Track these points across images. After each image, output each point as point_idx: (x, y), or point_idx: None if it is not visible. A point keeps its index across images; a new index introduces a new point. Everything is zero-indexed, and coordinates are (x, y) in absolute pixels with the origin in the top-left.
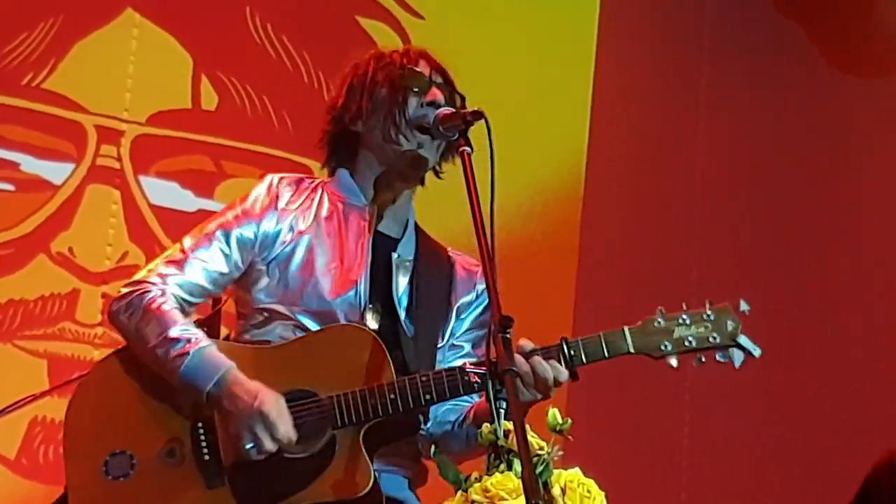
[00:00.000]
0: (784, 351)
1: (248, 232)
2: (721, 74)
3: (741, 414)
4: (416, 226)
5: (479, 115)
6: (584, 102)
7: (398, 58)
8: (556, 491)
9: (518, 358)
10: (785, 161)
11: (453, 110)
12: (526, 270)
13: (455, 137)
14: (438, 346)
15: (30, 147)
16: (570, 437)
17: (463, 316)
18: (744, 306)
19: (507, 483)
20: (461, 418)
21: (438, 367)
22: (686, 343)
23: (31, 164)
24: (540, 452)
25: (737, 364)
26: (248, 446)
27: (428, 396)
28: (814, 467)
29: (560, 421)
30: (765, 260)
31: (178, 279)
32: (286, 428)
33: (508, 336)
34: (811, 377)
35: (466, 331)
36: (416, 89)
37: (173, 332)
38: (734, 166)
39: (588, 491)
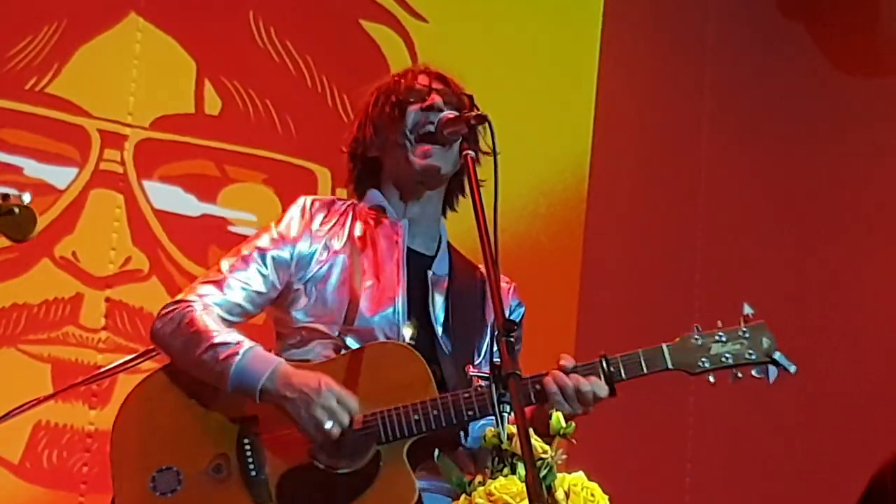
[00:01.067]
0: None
1: (284, 253)
2: (725, 76)
3: (746, 417)
4: (449, 244)
5: (482, 118)
6: (587, 104)
7: (397, 78)
8: (559, 495)
9: (560, 375)
10: (789, 162)
11: (456, 114)
12: (530, 272)
13: (459, 142)
14: (475, 362)
15: (33, 151)
16: (573, 440)
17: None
18: (747, 309)
19: (510, 487)
20: None
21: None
22: (723, 360)
23: (34, 169)
24: (543, 456)
25: (771, 379)
26: (329, 425)
27: (471, 412)
28: (819, 469)
29: (563, 424)
30: (769, 262)
31: (217, 299)
32: (354, 400)
33: (512, 339)
34: (815, 379)
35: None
36: (412, 99)
37: (220, 338)
38: (738, 167)
39: (592, 495)
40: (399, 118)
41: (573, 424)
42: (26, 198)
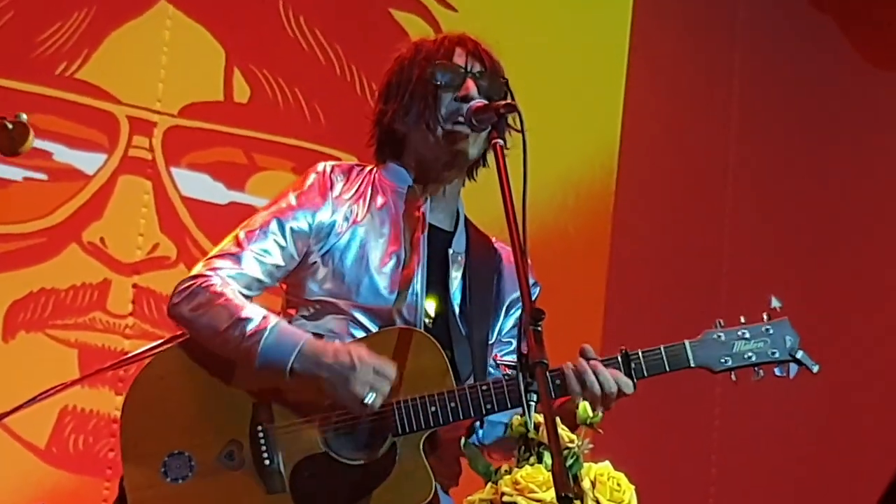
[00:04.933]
0: (815, 347)
1: (303, 223)
2: (754, 69)
3: (772, 408)
4: (466, 218)
5: (512, 107)
6: (616, 96)
7: (433, 47)
8: (585, 484)
9: (580, 361)
10: (818, 155)
11: (486, 102)
12: (557, 263)
13: (488, 129)
14: (490, 343)
15: (63, 137)
16: (600, 430)
17: (511, 312)
18: (775, 302)
19: (536, 476)
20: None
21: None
22: (746, 357)
23: (63, 154)
24: (570, 445)
25: (791, 376)
26: (370, 398)
27: (489, 406)
28: (844, 463)
29: (590, 414)
30: (797, 252)
31: (234, 272)
32: (391, 367)
33: (539, 328)
34: (842, 374)
35: (514, 326)
36: (448, 83)
37: (245, 313)
38: (766, 160)
39: (618, 484)
40: (433, 102)
41: (600, 414)
42: (23, 116)
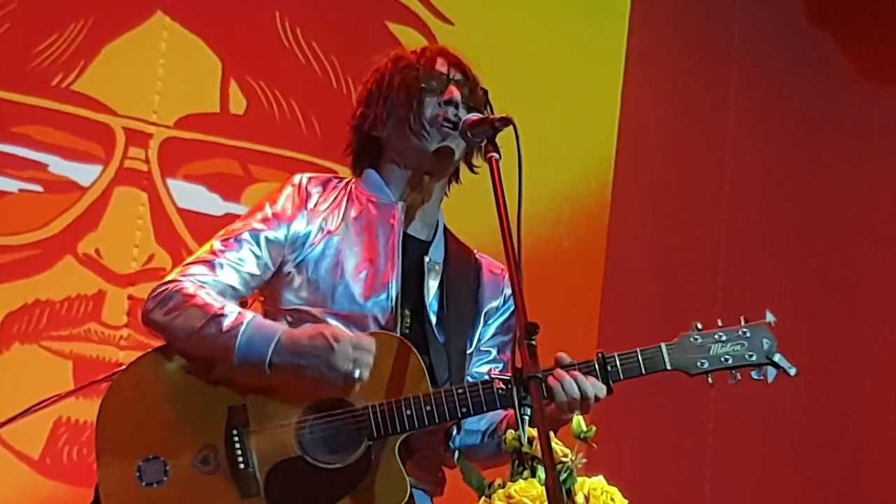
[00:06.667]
0: (810, 357)
1: (278, 234)
2: (751, 83)
3: (766, 423)
4: (445, 228)
5: (507, 121)
6: (612, 109)
7: (414, 58)
8: (579, 499)
9: (560, 372)
10: (814, 169)
11: (481, 116)
12: (552, 277)
13: (483, 143)
14: (468, 352)
15: (58, 148)
16: (594, 444)
17: (490, 321)
18: (770, 317)
19: (530, 490)
20: (492, 428)
21: (466, 372)
22: (723, 360)
23: (59, 166)
24: (564, 460)
25: (769, 380)
26: (357, 373)
27: (464, 409)
28: (842, 476)
29: (584, 428)
30: (793, 267)
31: (208, 278)
32: (368, 339)
33: (534, 342)
34: (839, 383)
35: (493, 336)
36: (430, 87)
37: (220, 310)
38: (762, 174)
39: (611, 499)
40: (417, 106)
41: (594, 428)
42: None
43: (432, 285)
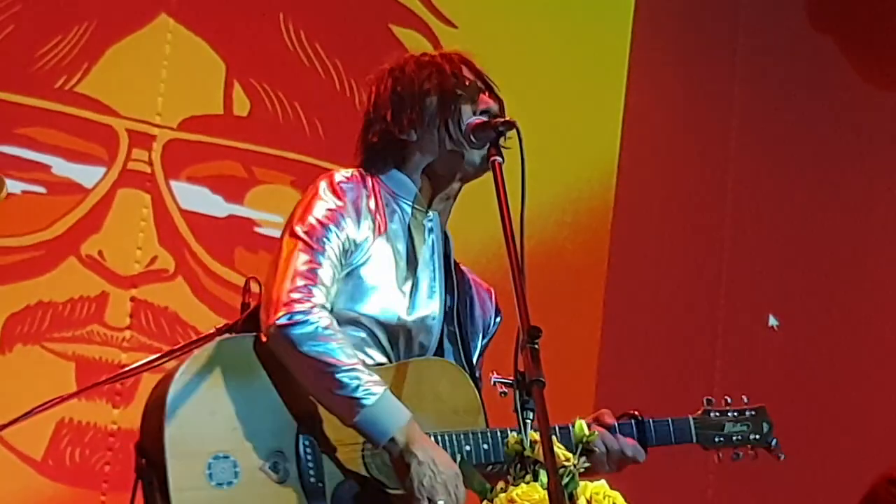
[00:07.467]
0: (813, 361)
1: (344, 246)
2: (754, 88)
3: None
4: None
5: (510, 124)
6: (615, 112)
7: (444, 64)
8: (581, 503)
9: (608, 435)
10: (817, 175)
11: (484, 119)
12: (555, 280)
13: (486, 146)
14: (474, 361)
15: (61, 150)
16: (596, 449)
17: (485, 337)
18: (772, 321)
19: (532, 494)
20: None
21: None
22: (734, 440)
23: (62, 167)
24: (566, 464)
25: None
26: (441, 502)
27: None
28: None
29: (587, 433)
30: (796, 270)
31: (326, 302)
32: (464, 492)
33: (536, 346)
34: (841, 388)
35: (480, 353)
36: (465, 95)
37: (360, 365)
38: (766, 179)
39: (613, 503)
40: (456, 112)
41: (596, 433)
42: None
43: (446, 296)
